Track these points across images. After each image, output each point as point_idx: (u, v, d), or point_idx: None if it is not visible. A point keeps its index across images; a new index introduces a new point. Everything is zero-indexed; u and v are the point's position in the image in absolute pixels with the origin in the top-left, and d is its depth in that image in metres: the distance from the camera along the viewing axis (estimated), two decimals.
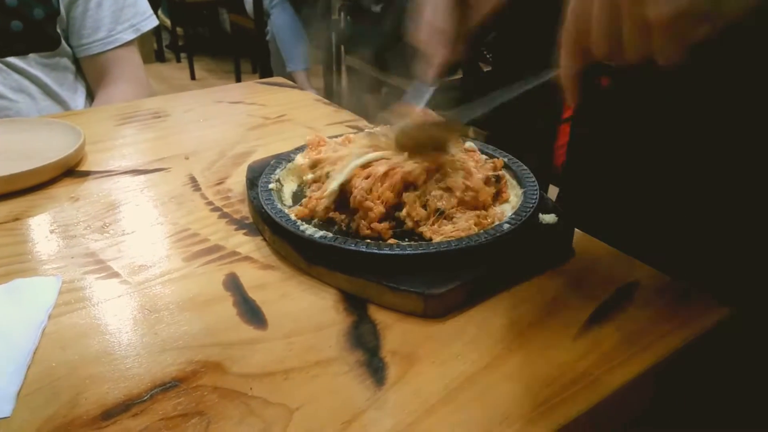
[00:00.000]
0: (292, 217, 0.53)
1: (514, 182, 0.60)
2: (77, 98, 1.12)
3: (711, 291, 0.48)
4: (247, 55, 3.78)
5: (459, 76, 2.49)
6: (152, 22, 1.16)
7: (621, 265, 0.53)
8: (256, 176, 0.60)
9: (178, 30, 4.19)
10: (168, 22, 4.21)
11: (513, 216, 0.52)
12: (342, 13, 2.96)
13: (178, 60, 4.34)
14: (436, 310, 0.46)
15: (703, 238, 0.57)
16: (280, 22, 3.19)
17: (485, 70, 2.34)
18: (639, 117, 0.62)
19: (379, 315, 0.46)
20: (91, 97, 1.16)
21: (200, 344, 0.43)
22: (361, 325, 0.45)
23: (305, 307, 0.47)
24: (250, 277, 0.51)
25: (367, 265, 0.48)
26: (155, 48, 4.33)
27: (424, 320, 0.45)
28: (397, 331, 0.45)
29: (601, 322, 0.46)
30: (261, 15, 3.10)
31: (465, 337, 0.44)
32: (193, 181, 0.68)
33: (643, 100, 0.62)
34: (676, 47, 0.36)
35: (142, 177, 0.69)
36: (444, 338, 0.44)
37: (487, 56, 2.34)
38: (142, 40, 1.19)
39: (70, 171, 0.70)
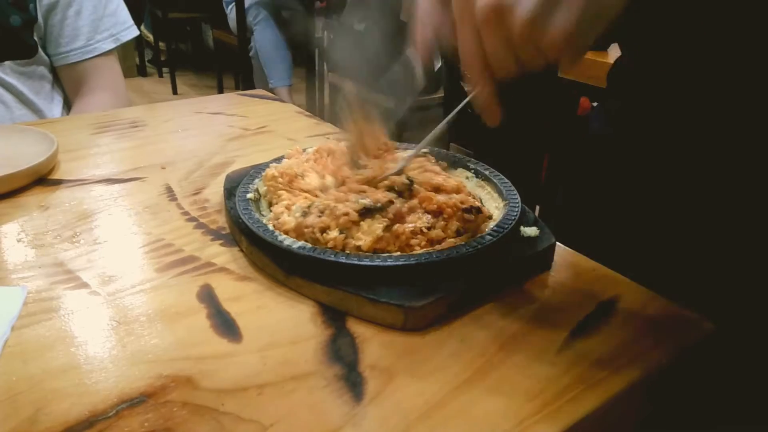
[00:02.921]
0: (270, 227, 0.51)
1: (495, 195, 0.60)
2: (54, 107, 1.10)
3: (694, 305, 0.48)
4: (229, 70, 3.77)
5: (440, 95, 2.51)
6: (132, 33, 1.15)
7: (603, 278, 0.52)
8: (234, 186, 0.59)
9: (161, 45, 4.18)
10: (151, 37, 4.19)
11: (495, 228, 0.51)
12: (325, 31, 2.97)
13: (160, 75, 4.32)
14: (417, 323, 0.44)
15: (685, 251, 0.56)
16: (264, 38, 3.19)
17: (466, 89, 2.36)
18: (621, 132, 0.62)
19: (358, 328, 0.45)
20: (68, 106, 1.14)
21: (171, 358, 0.41)
22: (340, 338, 0.44)
23: (282, 320, 0.46)
24: (225, 288, 0.49)
25: (346, 276, 0.46)
26: (137, 63, 4.30)
27: (404, 333, 0.44)
28: (376, 345, 0.43)
29: (583, 336, 0.45)
30: (244, 31, 3.10)
31: (446, 350, 0.43)
32: (169, 191, 0.66)
33: (624, 116, 0.62)
34: (575, 53, 0.39)
35: (116, 186, 0.67)
36: (424, 352, 0.43)
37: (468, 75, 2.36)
38: (124, 55, 1.19)
39: (41, 179, 0.68)
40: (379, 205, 0.51)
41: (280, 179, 0.57)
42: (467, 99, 0.48)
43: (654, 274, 0.51)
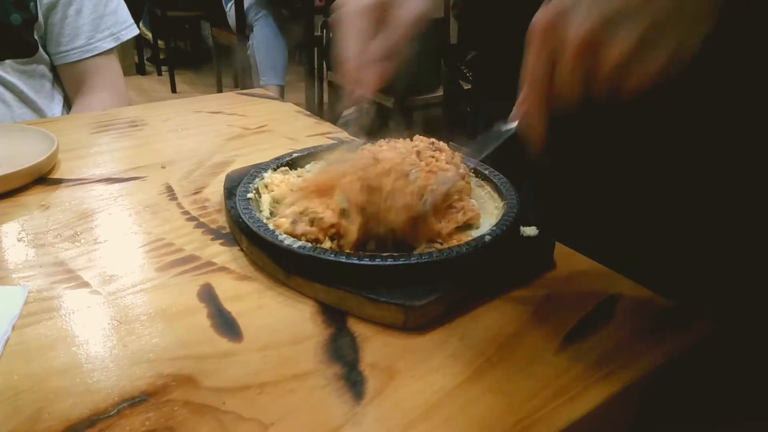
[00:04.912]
0: (271, 226, 0.51)
1: (495, 194, 0.60)
2: (54, 106, 1.10)
3: (693, 304, 0.48)
4: (229, 69, 3.76)
5: (439, 93, 2.51)
6: (132, 32, 1.15)
7: (602, 278, 0.52)
8: (234, 186, 0.59)
9: (160, 43, 4.17)
10: (149, 35, 4.19)
11: (494, 228, 0.52)
12: (324, 30, 2.97)
13: (159, 73, 4.31)
14: (417, 323, 0.45)
15: (685, 251, 0.57)
16: (262, 36, 3.19)
17: (465, 88, 2.36)
18: (619, 131, 0.62)
19: (358, 327, 0.45)
20: (68, 105, 1.13)
21: (172, 357, 0.42)
22: (340, 338, 0.44)
23: (282, 319, 0.46)
24: (225, 288, 0.49)
25: (346, 276, 0.46)
26: (136, 61, 4.30)
27: (405, 333, 0.44)
28: (376, 344, 0.43)
29: (583, 335, 0.45)
30: (243, 29, 3.10)
31: (446, 350, 0.43)
32: (169, 191, 0.66)
33: (623, 115, 0.62)
34: (636, 82, 0.38)
35: (116, 185, 0.67)
36: (424, 351, 0.43)
37: (468, 75, 2.37)
38: (123, 53, 1.19)
39: (42, 178, 0.68)
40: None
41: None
42: (508, 129, 0.46)
43: (653, 273, 0.51)
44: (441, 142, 0.60)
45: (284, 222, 0.51)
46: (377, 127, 0.60)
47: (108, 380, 0.39)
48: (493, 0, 0.72)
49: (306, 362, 0.41)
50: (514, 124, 0.45)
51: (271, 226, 0.52)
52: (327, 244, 0.50)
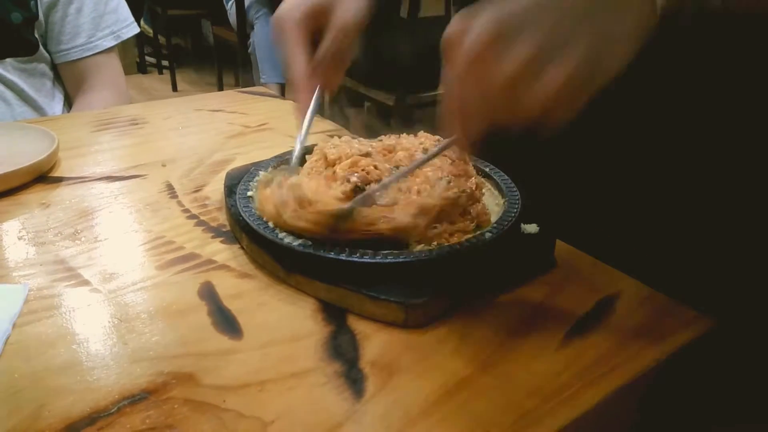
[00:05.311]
0: (271, 224, 0.51)
1: (495, 192, 0.60)
2: (54, 105, 1.10)
3: (694, 301, 0.48)
4: (229, 67, 3.76)
5: (439, 92, 2.51)
6: (133, 30, 1.15)
7: (603, 275, 0.52)
8: (235, 184, 0.59)
9: (161, 39, 4.17)
10: (150, 32, 4.18)
11: (495, 225, 0.52)
12: None
13: (160, 72, 4.31)
14: (417, 320, 0.45)
15: (685, 248, 0.56)
16: (263, 34, 3.18)
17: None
18: (619, 128, 0.62)
19: (358, 325, 0.45)
20: (69, 103, 1.14)
21: (172, 355, 0.42)
22: (340, 336, 0.44)
23: (282, 317, 0.46)
24: (226, 285, 0.49)
25: (346, 273, 0.46)
26: (137, 60, 4.30)
27: (405, 330, 0.44)
28: (376, 342, 0.43)
29: (583, 332, 0.45)
30: (244, 27, 3.09)
31: (446, 347, 0.43)
32: (170, 189, 0.66)
33: (622, 111, 0.62)
34: (557, 120, 0.36)
35: (117, 184, 0.67)
36: (425, 349, 0.43)
37: None
38: (123, 52, 1.18)
39: (42, 177, 0.68)
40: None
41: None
42: (444, 145, 0.47)
43: (654, 270, 0.51)
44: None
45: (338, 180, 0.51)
46: (378, 124, 0.60)
47: (108, 378, 0.39)
48: None
49: (306, 360, 0.41)
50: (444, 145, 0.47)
51: (270, 224, 0.51)
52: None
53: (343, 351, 0.42)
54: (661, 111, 0.57)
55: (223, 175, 0.63)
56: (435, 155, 0.49)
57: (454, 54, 0.37)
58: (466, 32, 0.36)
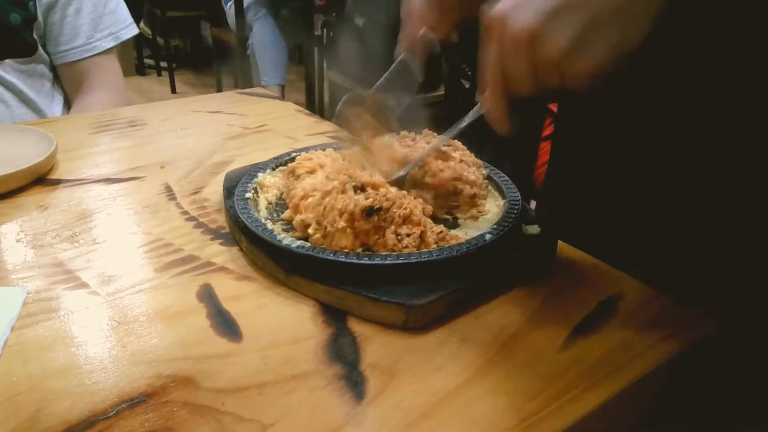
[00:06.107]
0: (269, 226, 0.51)
1: (496, 193, 0.60)
2: (54, 106, 1.10)
3: (696, 302, 0.48)
4: (229, 69, 3.76)
5: (441, 92, 2.51)
6: (132, 31, 1.14)
7: (605, 276, 0.52)
8: (234, 185, 0.59)
9: (160, 42, 4.16)
10: (150, 35, 4.18)
11: (496, 226, 0.51)
12: (325, 29, 2.96)
13: (159, 74, 4.30)
14: (418, 322, 0.44)
15: (688, 249, 0.56)
16: (262, 35, 3.18)
17: (467, 86, 2.36)
18: (619, 127, 0.62)
19: (358, 327, 0.45)
20: (68, 105, 1.13)
21: (171, 358, 0.41)
22: (340, 338, 0.44)
23: (282, 319, 0.46)
24: (225, 288, 0.49)
25: (346, 275, 0.46)
26: (136, 61, 4.29)
27: (405, 332, 0.44)
28: (377, 344, 0.43)
29: (585, 334, 0.45)
30: (243, 29, 3.09)
31: (447, 349, 0.43)
32: (169, 191, 0.66)
33: (622, 110, 0.62)
34: (594, 83, 0.40)
35: (115, 186, 0.67)
36: (425, 351, 0.42)
37: (468, 72, 2.36)
38: (122, 54, 1.18)
39: (40, 179, 0.68)
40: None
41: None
42: (477, 111, 0.50)
43: (657, 271, 0.51)
44: (456, 141, 0.60)
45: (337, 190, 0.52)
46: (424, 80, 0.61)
47: (107, 381, 0.39)
48: None
49: (306, 362, 0.41)
50: (481, 111, 0.49)
51: (269, 226, 0.51)
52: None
53: (343, 353, 0.42)
54: (663, 110, 0.57)
55: (222, 177, 0.63)
56: (469, 123, 0.52)
57: (504, 30, 0.41)
58: (518, 9, 0.40)
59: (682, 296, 0.48)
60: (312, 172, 0.59)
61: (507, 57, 0.41)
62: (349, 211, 0.48)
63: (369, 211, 0.49)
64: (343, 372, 0.40)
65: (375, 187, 0.51)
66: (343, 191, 0.50)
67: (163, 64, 4.14)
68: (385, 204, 0.49)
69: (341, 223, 0.48)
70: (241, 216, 0.52)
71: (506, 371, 0.41)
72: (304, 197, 0.53)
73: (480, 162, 0.61)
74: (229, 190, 0.58)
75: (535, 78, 0.41)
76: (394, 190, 0.52)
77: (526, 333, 0.44)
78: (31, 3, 1.00)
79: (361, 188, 0.50)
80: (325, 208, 0.50)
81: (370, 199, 0.49)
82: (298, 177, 0.58)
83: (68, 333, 0.44)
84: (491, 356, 0.42)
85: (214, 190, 0.66)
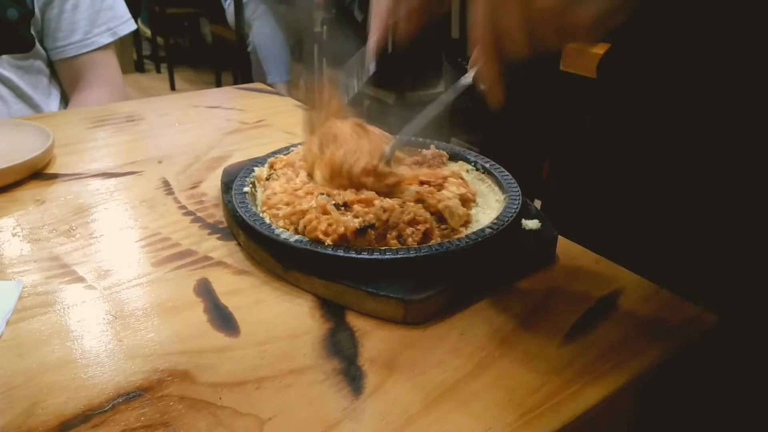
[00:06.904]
0: (267, 220, 0.51)
1: (496, 188, 0.59)
2: (51, 102, 1.09)
3: (697, 297, 0.47)
4: (228, 66, 3.75)
5: (441, 90, 2.50)
6: (130, 26, 1.14)
7: (605, 271, 0.52)
8: (232, 180, 0.58)
9: (159, 40, 4.15)
10: (148, 32, 4.17)
11: (495, 221, 0.51)
12: (324, 26, 2.95)
13: (158, 71, 4.30)
14: (417, 317, 0.44)
15: (688, 243, 0.56)
16: (262, 33, 3.18)
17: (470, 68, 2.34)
18: (621, 124, 0.61)
19: (357, 322, 0.44)
20: (65, 101, 1.13)
21: (167, 352, 0.41)
22: (338, 332, 0.43)
23: (280, 314, 0.45)
24: (222, 282, 0.49)
25: (344, 270, 0.46)
26: (135, 58, 4.28)
27: (404, 327, 0.44)
28: (375, 339, 0.43)
29: (585, 329, 0.44)
30: (242, 26, 3.08)
31: (446, 344, 0.42)
32: (166, 185, 0.65)
33: (625, 110, 0.61)
34: (593, 39, 0.39)
35: (112, 180, 0.67)
36: (424, 346, 0.42)
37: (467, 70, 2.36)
38: (121, 50, 1.18)
39: (37, 173, 0.67)
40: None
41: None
42: (465, 81, 0.46)
43: (656, 265, 0.51)
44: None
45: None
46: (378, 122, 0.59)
47: (103, 375, 0.39)
48: None
49: (304, 357, 0.41)
50: (470, 78, 0.46)
51: (267, 219, 0.51)
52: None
53: (341, 348, 0.42)
54: (664, 108, 0.57)
55: (219, 172, 0.62)
56: (459, 93, 0.49)
57: None
58: None
59: (683, 291, 0.48)
60: (289, 165, 0.59)
61: (498, 9, 0.39)
62: (338, 233, 0.47)
63: (362, 230, 0.48)
64: (341, 366, 0.40)
65: (367, 202, 0.50)
66: (324, 212, 0.48)
67: (163, 64, 4.13)
68: (382, 217, 0.48)
69: (328, 242, 0.47)
70: (238, 210, 0.52)
71: (506, 367, 0.40)
72: (270, 205, 0.53)
73: (457, 172, 0.59)
74: (227, 185, 0.58)
75: (530, 33, 0.38)
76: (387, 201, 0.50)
77: (525, 328, 0.44)
78: None
79: (343, 205, 0.49)
80: (305, 227, 0.48)
81: (359, 219, 0.48)
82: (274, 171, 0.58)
83: (64, 327, 0.43)
84: (491, 351, 0.42)
85: (212, 185, 0.65)
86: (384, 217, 0.48)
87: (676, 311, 0.47)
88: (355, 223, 0.47)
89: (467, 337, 0.43)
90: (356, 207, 0.49)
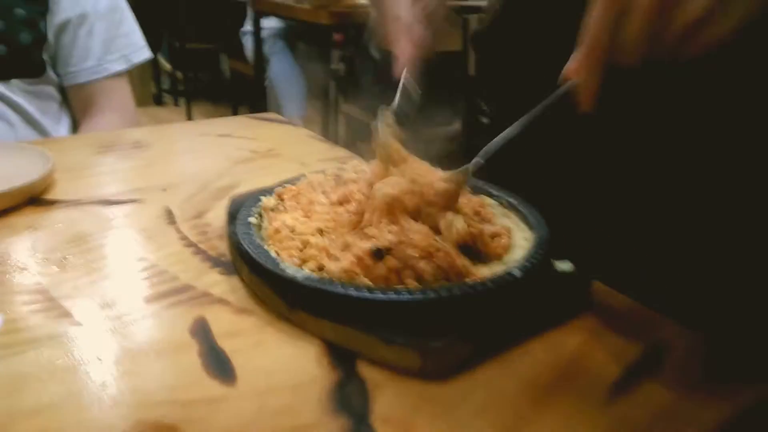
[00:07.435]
0: (273, 254, 0.46)
1: (522, 225, 0.55)
2: (60, 128, 1.07)
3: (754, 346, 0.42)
4: (245, 101, 3.78)
5: (457, 127, 2.48)
6: (144, 54, 1.12)
7: (645, 320, 0.46)
8: (238, 210, 0.54)
9: (178, 74, 4.21)
10: (168, 66, 4.24)
11: (524, 262, 0.46)
12: (341, 63, 2.97)
13: (176, 104, 4.35)
14: (437, 368, 0.39)
15: (735, 289, 0.51)
16: (279, 68, 3.21)
17: (484, 121, 2.33)
18: (639, 157, 0.57)
19: (369, 372, 0.39)
20: (75, 128, 1.11)
21: (154, 401, 0.36)
22: (348, 384, 0.38)
23: (283, 360, 0.40)
24: (221, 322, 0.44)
25: (356, 311, 0.41)
26: (154, 91, 4.34)
27: (423, 380, 0.38)
28: (389, 393, 0.37)
29: (629, 388, 0.39)
30: (261, 61, 3.11)
31: (471, 402, 0.37)
32: (169, 214, 0.61)
33: (641, 134, 0.57)
34: (703, 44, 0.37)
35: (113, 208, 0.63)
36: (446, 403, 0.37)
37: (485, 109, 2.34)
38: (141, 84, 1.16)
39: (35, 199, 0.64)
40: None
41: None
42: (563, 90, 0.44)
43: (700, 313, 0.45)
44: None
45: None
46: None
47: (80, 425, 0.34)
48: (518, 31, 0.68)
49: (308, 412, 0.36)
50: (566, 87, 0.43)
51: (273, 253, 0.46)
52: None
53: (351, 403, 0.36)
54: (653, 113, 0.53)
55: (226, 201, 0.58)
56: (553, 103, 0.45)
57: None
58: None
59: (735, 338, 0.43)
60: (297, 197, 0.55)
61: (629, 22, 0.37)
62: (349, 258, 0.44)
63: (378, 253, 0.43)
64: (350, 425, 0.35)
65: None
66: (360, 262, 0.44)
67: (182, 98, 4.19)
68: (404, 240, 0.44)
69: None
70: (242, 242, 0.48)
71: (540, 430, 0.35)
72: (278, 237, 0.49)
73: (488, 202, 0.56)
74: (233, 215, 0.53)
75: (651, 45, 0.37)
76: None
77: (561, 385, 0.39)
78: (42, 23, 0.98)
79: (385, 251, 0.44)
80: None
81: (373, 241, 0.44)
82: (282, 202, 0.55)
83: (42, 368, 0.39)
84: (524, 413, 0.36)
85: (218, 215, 0.61)
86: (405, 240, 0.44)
87: (735, 365, 0.41)
88: (368, 245, 0.43)
89: (495, 395, 0.38)
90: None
